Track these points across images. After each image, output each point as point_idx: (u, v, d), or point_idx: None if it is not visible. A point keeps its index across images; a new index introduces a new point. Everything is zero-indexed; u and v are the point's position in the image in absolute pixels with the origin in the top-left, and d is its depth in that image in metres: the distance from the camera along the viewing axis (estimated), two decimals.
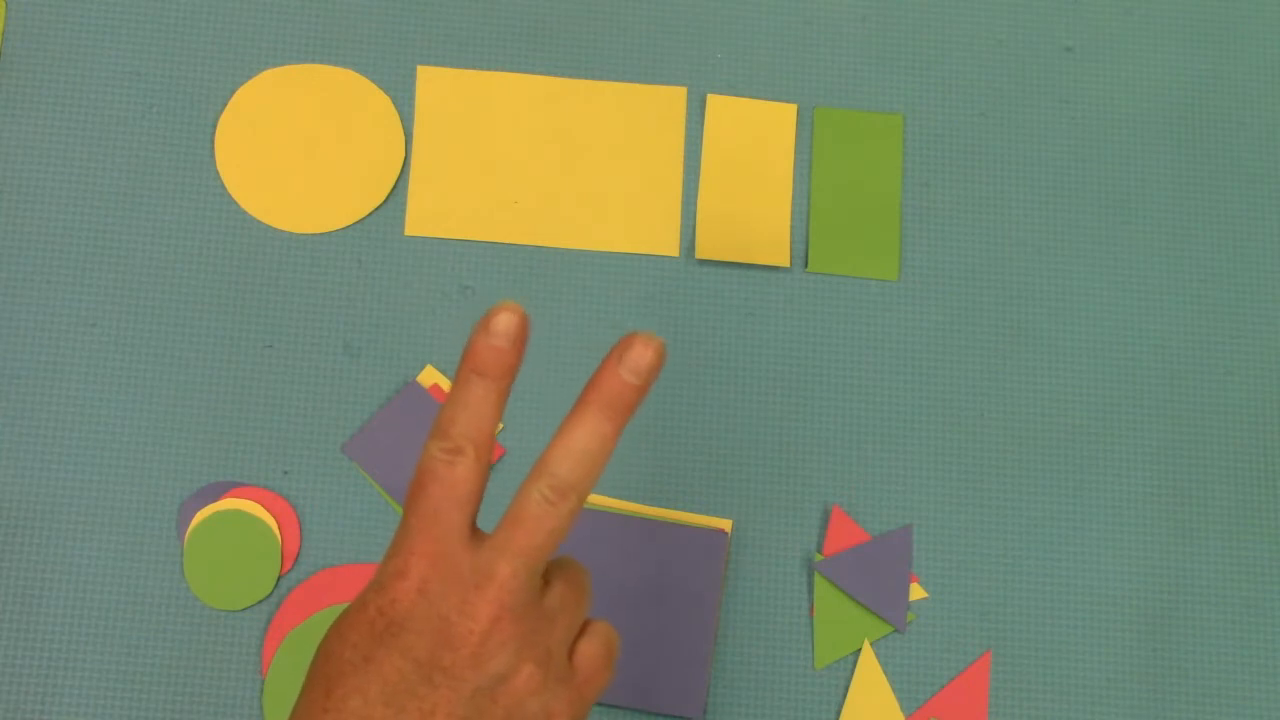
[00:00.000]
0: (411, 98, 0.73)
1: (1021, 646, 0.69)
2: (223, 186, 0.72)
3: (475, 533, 0.47)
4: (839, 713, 0.67)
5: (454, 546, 0.46)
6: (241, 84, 0.73)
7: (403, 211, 0.72)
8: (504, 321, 0.46)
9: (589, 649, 0.48)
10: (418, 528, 0.46)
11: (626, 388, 0.46)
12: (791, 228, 0.73)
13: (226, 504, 0.68)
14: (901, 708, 0.68)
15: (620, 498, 0.69)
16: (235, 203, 0.72)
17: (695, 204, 0.73)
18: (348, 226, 0.72)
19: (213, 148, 0.72)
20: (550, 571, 0.48)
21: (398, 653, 0.45)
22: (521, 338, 0.46)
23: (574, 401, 0.70)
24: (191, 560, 0.67)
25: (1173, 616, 0.70)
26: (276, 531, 0.68)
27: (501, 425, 0.70)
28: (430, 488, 0.46)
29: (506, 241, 0.72)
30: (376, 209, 0.72)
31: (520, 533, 0.45)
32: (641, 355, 0.46)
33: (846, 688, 0.68)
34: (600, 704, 0.67)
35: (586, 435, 0.46)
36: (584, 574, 0.48)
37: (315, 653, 0.47)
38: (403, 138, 0.73)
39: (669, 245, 0.72)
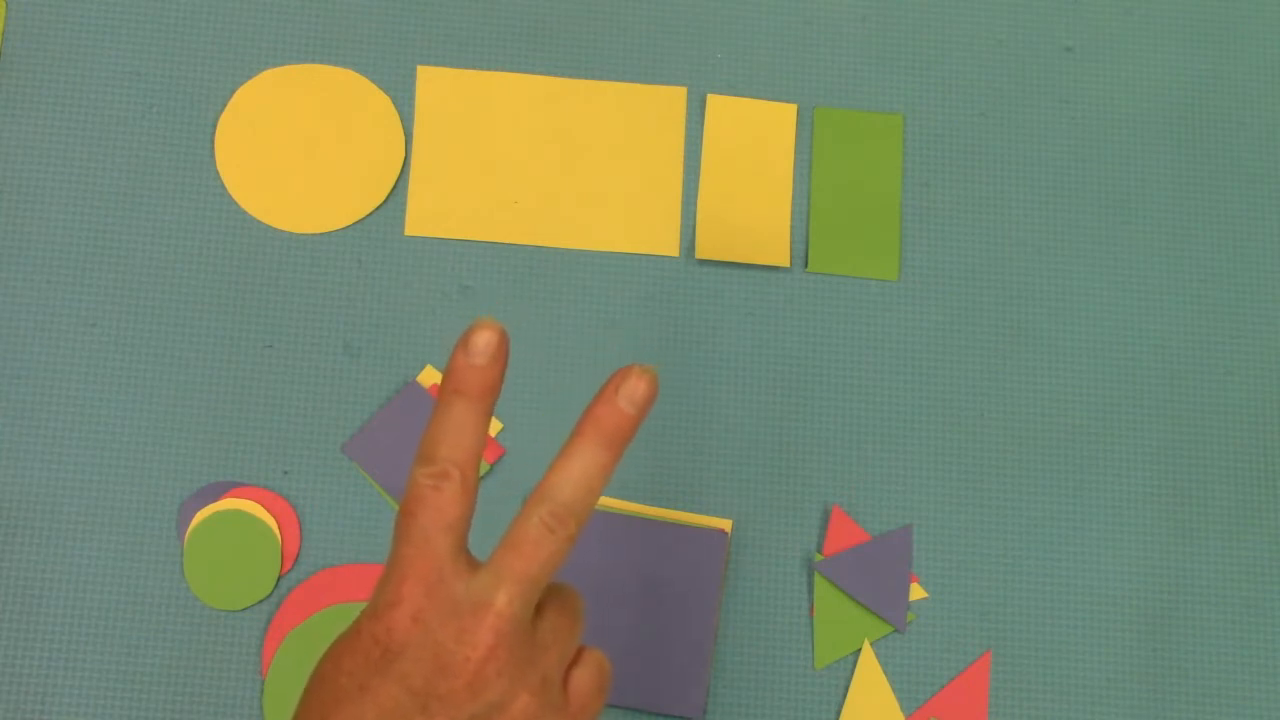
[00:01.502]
0: (411, 98, 0.73)
1: (1021, 646, 0.69)
2: (223, 186, 0.72)
3: (467, 557, 0.46)
4: (839, 713, 0.67)
5: (447, 573, 0.46)
6: (241, 84, 0.73)
7: (403, 211, 0.72)
8: (483, 340, 0.47)
9: (583, 677, 0.48)
10: (409, 555, 0.46)
11: (624, 418, 0.47)
12: (791, 228, 0.73)
13: (226, 504, 0.68)
14: (901, 708, 0.68)
15: (620, 498, 0.69)
16: (235, 203, 0.72)
17: (695, 204, 0.73)
18: (348, 226, 0.72)
19: (213, 148, 0.72)
20: (544, 598, 0.48)
21: (394, 681, 0.45)
22: (502, 355, 0.47)
23: (573, 400, 0.70)
24: (191, 560, 0.67)
25: (1173, 616, 0.70)
26: (276, 531, 0.68)
27: (501, 425, 0.70)
28: (419, 514, 0.46)
29: (506, 241, 0.72)
30: (376, 209, 0.72)
31: (518, 558, 0.45)
32: (636, 387, 0.47)
33: (846, 688, 0.68)
34: None
35: (585, 463, 0.46)
36: (578, 601, 0.49)
37: (310, 679, 0.47)
38: (403, 138, 0.73)
39: (669, 245, 0.72)
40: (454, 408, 0.47)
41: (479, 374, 0.47)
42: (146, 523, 0.68)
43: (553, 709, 0.46)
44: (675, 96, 0.74)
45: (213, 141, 0.72)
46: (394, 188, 0.72)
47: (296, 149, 0.72)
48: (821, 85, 0.75)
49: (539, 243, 0.72)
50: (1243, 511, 0.71)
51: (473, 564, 0.46)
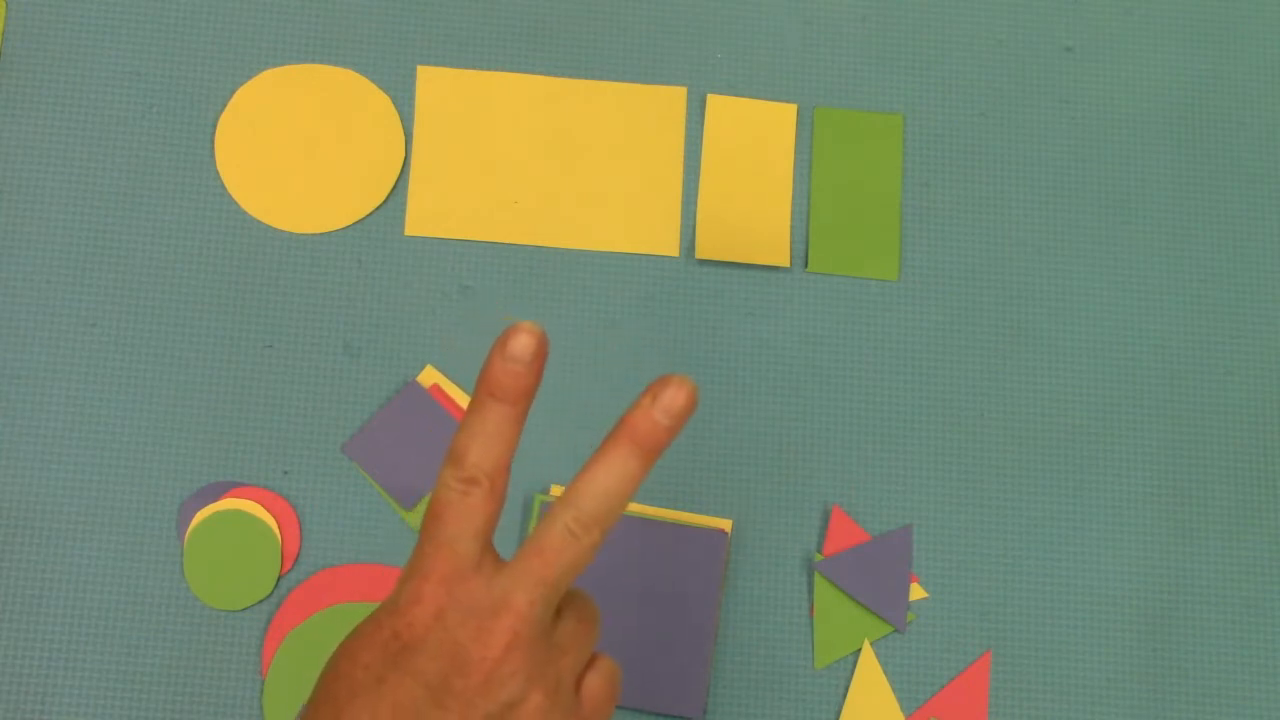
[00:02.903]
0: (411, 98, 0.73)
1: (1021, 646, 0.69)
2: (223, 186, 0.72)
3: (491, 557, 0.47)
4: (839, 713, 0.67)
5: (470, 573, 0.46)
6: (241, 84, 0.73)
7: (403, 211, 0.72)
8: (522, 344, 0.46)
9: (595, 683, 0.48)
10: (433, 555, 0.46)
11: (658, 428, 0.46)
12: (791, 228, 0.73)
13: (226, 504, 0.68)
14: (901, 708, 0.68)
15: None
16: (235, 203, 0.72)
17: (695, 204, 0.73)
18: (348, 226, 0.72)
19: (213, 148, 0.72)
20: (563, 604, 0.48)
21: (410, 675, 0.45)
22: (539, 360, 0.46)
23: (573, 400, 0.70)
24: (191, 560, 0.67)
25: (1173, 616, 0.70)
26: (276, 531, 0.68)
27: None
28: (445, 518, 0.46)
29: (506, 241, 0.72)
30: (376, 209, 0.72)
31: (541, 562, 0.46)
32: (675, 397, 0.46)
33: (846, 688, 0.68)
34: None
35: (614, 473, 0.46)
36: (595, 609, 0.49)
37: (323, 671, 0.47)
38: (403, 138, 0.73)
39: (669, 245, 0.72)
40: (487, 411, 0.46)
41: (515, 378, 0.46)
42: (146, 523, 0.68)
43: (564, 711, 0.47)
44: (675, 96, 0.74)
45: (213, 141, 0.72)
46: (394, 188, 0.72)
47: (296, 149, 0.72)
48: (821, 85, 0.75)
49: (539, 243, 0.72)
50: (1243, 511, 0.71)
51: (497, 564, 0.47)
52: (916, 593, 0.69)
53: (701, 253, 0.72)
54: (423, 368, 0.70)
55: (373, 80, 0.74)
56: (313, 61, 0.74)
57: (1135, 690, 0.69)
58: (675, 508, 0.69)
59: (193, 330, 0.70)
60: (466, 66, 0.74)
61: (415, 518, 0.68)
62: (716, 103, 0.74)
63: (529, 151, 0.73)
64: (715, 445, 0.70)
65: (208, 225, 0.71)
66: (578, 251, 0.72)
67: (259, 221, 0.72)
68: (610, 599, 0.68)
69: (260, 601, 0.67)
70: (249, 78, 0.73)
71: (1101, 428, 0.72)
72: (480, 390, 0.47)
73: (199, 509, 0.68)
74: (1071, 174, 0.75)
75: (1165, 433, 0.72)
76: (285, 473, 0.69)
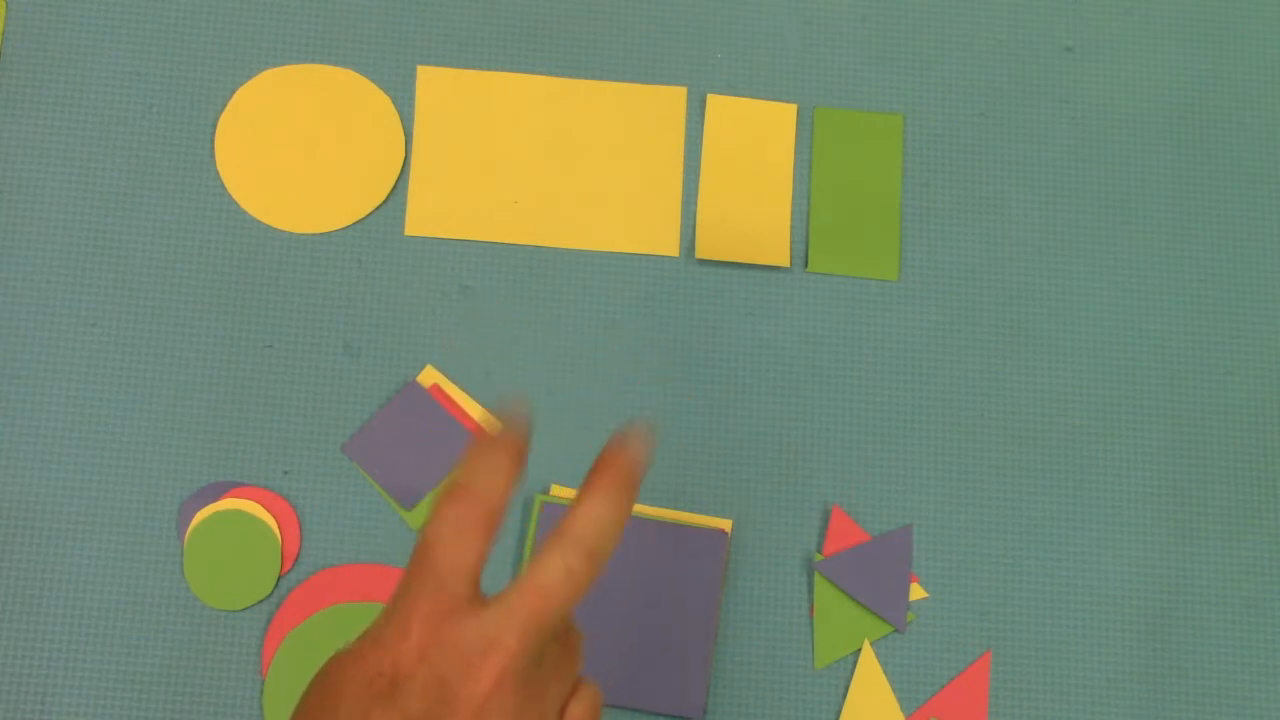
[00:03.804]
0: (411, 98, 0.73)
1: (1021, 646, 0.69)
2: (223, 186, 0.72)
3: (478, 595, 0.47)
4: (839, 713, 0.67)
5: (459, 611, 0.46)
6: (241, 84, 0.73)
7: (403, 211, 0.72)
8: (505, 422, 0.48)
9: (578, 711, 0.48)
10: (421, 591, 0.46)
11: (635, 464, 0.48)
12: (791, 228, 0.73)
13: (226, 504, 0.68)
14: (901, 708, 0.68)
15: None
16: (235, 203, 0.72)
17: (695, 204, 0.73)
18: (348, 226, 0.72)
19: (213, 148, 0.72)
20: None
21: (396, 712, 0.45)
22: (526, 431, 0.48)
23: (573, 400, 0.70)
24: (191, 560, 0.67)
25: (1173, 616, 0.70)
26: (276, 531, 0.68)
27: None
28: (436, 553, 0.46)
29: (506, 241, 0.72)
30: (376, 209, 0.72)
31: (536, 600, 0.45)
32: (642, 440, 0.48)
33: (846, 688, 0.68)
34: None
35: (609, 506, 0.47)
36: (579, 637, 0.49)
37: (305, 700, 0.46)
38: (403, 138, 0.73)
39: (669, 245, 0.72)
40: (488, 450, 0.47)
41: (514, 426, 0.48)
42: (146, 523, 0.68)
43: None
44: (675, 96, 0.74)
45: (213, 141, 0.72)
46: (394, 188, 0.72)
47: (296, 149, 0.72)
48: (821, 85, 0.75)
49: (539, 243, 0.72)
50: (1243, 511, 0.71)
51: (484, 601, 0.46)
52: (916, 593, 0.69)
53: (701, 253, 0.72)
54: (423, 368, 0.70)
55: (373, 80, 0.74)
56: (313, 61, 0.74)
57: (1135, 690, 0.69)
58: (675, 508, 0.69)
59: (193, 330, 0.70)
60: (466, 66, 0.74)
61: (415, 518, 0.68)
62: (716, 103, 0.74)
63: (529, 151, 0.73)
64: (715, 445, 0.70)
65: (208, 225, 0.71)
66: (578, 251, 0.72)
67: (259, 221, 0.72)
68: (610, 599, 0.68)
69: (260, 601, 0.67)
70: (249, 78, 0.73)
71: (1101, 428, 0.72)
72: (482, 433, 0.48)
73: (199, 509, 0.68)
74: (1071, 174, 0.75)
75: (1165, 433, 0.72)
76: (285, 473, 0.69)
